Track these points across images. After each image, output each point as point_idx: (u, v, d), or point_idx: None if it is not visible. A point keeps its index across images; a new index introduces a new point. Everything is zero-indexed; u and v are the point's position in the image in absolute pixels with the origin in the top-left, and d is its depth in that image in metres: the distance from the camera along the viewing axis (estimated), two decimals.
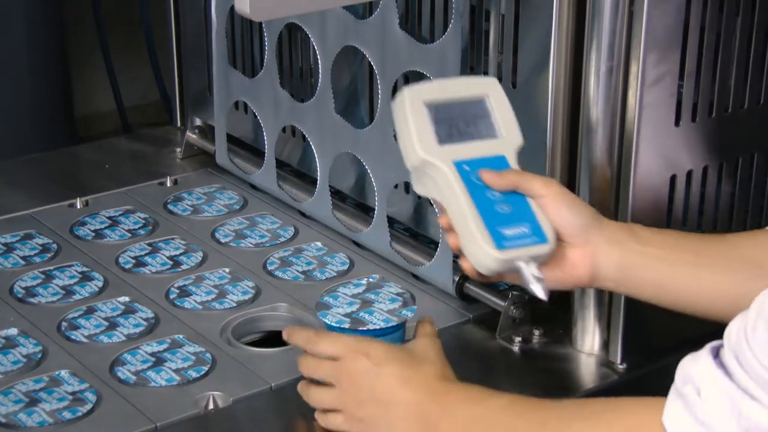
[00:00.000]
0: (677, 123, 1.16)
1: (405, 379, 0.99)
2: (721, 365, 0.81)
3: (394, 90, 1.27)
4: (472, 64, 1.26)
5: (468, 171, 1.03)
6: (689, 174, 1.20)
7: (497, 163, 1.04)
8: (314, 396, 1.05)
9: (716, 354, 0.82)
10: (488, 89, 1.06)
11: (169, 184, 1.59)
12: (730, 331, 0.82)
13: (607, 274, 1.02)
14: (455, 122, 1.04)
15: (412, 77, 1.32)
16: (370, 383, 0.99)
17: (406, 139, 1.03)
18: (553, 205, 1.02)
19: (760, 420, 0.78)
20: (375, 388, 0.99)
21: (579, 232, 1.02)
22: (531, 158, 1.20)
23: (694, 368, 0.82)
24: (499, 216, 1.01)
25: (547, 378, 1.16)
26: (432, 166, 1.02)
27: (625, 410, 0.88)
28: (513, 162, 1.05)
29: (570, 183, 1.19)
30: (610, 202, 1.16)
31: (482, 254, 0.99)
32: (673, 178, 1.19)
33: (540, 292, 0.99)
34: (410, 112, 1.03)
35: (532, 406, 0.95)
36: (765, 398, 0.78)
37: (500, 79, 1.22)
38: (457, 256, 1.06)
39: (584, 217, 1.02)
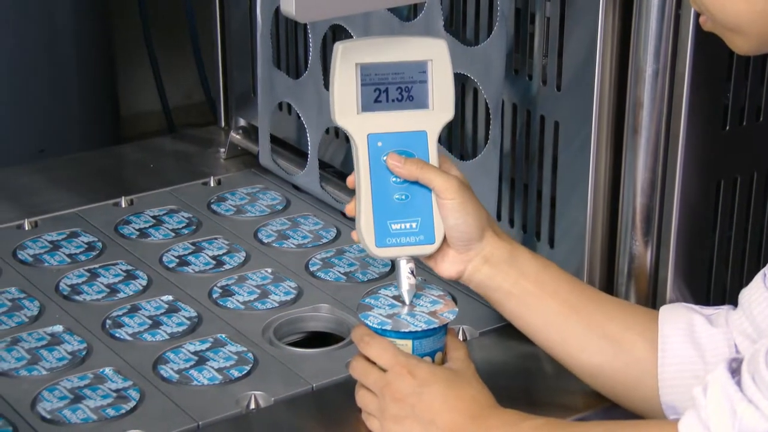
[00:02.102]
0: (724, 127, 1.15)
1: (447, 400, 0.99)
2: (734, 374, 0.83)
3: None
4: (516, 66, 1.26)
5: (380, 148, 1.04)
6: (735, 180, 1.19)
7: (415, 141, 1.05)
8: (360, 398, 1.06)
9: (734, 368, 0.85)
10: (433, 53, 1.05)
11: (212, 184, 1.59)
12: (751, 353, 0.84)
13: (472, 282, 1.08)
14: (385, 87, 1.03)
15: (456, 79, 1.31)
16: (412, 402, 1.00)
17: (330, 99, 1.04)
18: (445, 211, 1.05)
19: (751, 422, 0.80)
20: (416, 406, 1.00)
21: (462, 242, 1.06)
22: (576, 161, 1.20)
23: (710, 375, 0.85)
24: (393, 206, 1.04)
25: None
26: (348, 133, 1.04)
27: (649, 425, 0.92)
28: (433, 140, 1.05)
29: (614, 186, 1.18)
30: (655, 206, 1.15)
31: (364, 244, 1.04)
32: (718, 184, 1.18)
33: (406, 297, 1.05)
34: (338, 72, 1.03)
35: (562, 427, 0.97)
36: (764, 404, 0.79)
37: (545, 83, 1.22)
38: None
39: (472, 229, 1.05)
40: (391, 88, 1.04)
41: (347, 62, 1.03)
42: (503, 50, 1.22)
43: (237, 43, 1.68)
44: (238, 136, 1.69)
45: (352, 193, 1.04)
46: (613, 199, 1.19)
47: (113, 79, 2.32)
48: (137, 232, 1.45)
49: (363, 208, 1.04)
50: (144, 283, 1.34)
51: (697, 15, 1.06)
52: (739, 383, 0.82)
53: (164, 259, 1.39)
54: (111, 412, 1.10)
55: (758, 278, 1.01)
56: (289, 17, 0.96)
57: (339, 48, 1.03)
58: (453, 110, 1.06)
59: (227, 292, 1.32)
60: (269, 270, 1.36)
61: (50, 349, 1.20)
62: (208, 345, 1.21)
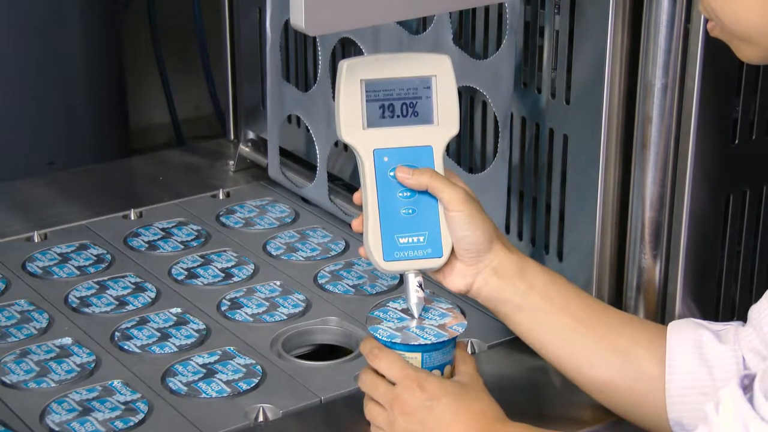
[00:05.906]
0: (733, 141, 1.15)
1: (457, 414, 0.99)
2: (746, 391, 0.83)
3: None
4: (525, 80, 1.26)
5: (386, 163, 1.05)
6: (744, 194, 1.19)
7: (421, 156, 1.05)
8: (369, 411, 1.05)
9: (746, 384, 0.84)
10: (437, 69, 1.06)
11: (221, 197, 1.60)
12: (763, 369, 0.84)
13: (480, 295, 1.08)
14: (390, 103, 1.04)
15: (464, 92, 1.32)
16: (421, 416, 1.00)
17: (336, 115, 1.05)
18: (453, 223, 1.05)
19: None
20: (425, 420, 1.00)
21: (471, 254, 1.06)
22: (584, 175, 1.19)
23: (722, 391, 0.84)
24: (401, 220, 1.05)
25: None
26: (354, 148, 1.05)
27: None
28: (439, 155, 1.06)
29: (623, 200, 1.18)
30: (664, 220, 1.15)
31: (372, 259, 1.05)
32: (727, 198, 1.18)
33: (414, 310, 1.05)
34: (343, 88, 1.04)
35: None
36: None
37: (554, 96, 1.22)
38: None
39: (481, 241, 1.05)
40: (396, 104, 1.05)
41: (352, 78, 1.03)
42: (512, 63, 1.23)
43: (246, 55, 1.69)
44: (247, 149, 1.70)
45: (360, 206, 1.05)
46: (622, 212, 1.19)
47: (123, 92, 2.33)
48: (146, 245, 1.46)
49: (370, 222, 1.05)
50: (153, 295, 1.34)
51: (706, 27, 1.06)
52: (751, 400, 0.82)
53: (173, 271, 1.39)
54: (119, 424, 1.10)
55: None
56: (298, 30, 0.96)
57: (344, 65, 1.04)
58: (458, 125, 1.06)
59: (236, 304, 1.32)
60: (278, 282, 1.37)
61: (59, 361, 1.21)
62: (216, 357, 1.21)
